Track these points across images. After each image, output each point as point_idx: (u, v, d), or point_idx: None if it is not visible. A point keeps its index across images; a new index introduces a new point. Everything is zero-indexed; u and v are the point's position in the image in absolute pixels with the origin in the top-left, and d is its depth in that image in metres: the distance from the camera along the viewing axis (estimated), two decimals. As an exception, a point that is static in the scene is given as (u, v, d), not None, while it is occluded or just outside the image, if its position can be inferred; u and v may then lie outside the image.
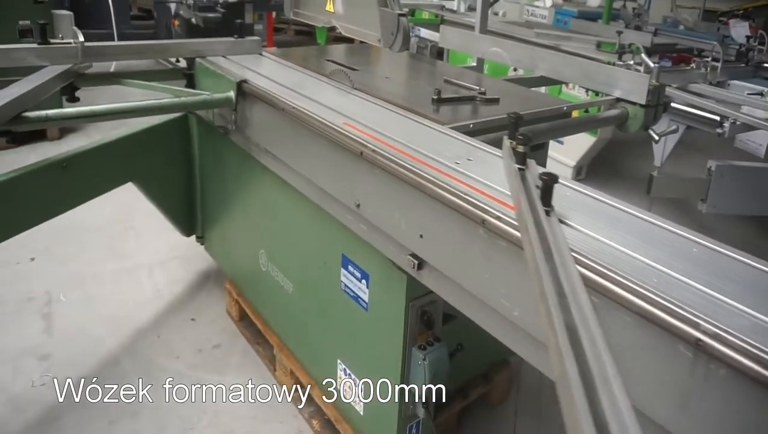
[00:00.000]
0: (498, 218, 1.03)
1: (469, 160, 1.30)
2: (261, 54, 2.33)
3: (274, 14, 6.70)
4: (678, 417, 0.79)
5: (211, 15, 5.01)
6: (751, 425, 0.72)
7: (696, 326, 0.76)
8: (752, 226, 3.85)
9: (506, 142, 1.23)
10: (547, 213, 0.98)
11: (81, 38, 1.94)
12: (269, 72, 2.03)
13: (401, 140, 1.41)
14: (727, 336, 0.73)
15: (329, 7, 2.26)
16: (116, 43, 2.19)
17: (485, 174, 1.21)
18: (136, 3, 7.94)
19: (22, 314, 2.45)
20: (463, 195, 1.11)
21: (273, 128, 1.77)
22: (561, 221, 1.01)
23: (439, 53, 4.92)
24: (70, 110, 1.75)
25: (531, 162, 1.14)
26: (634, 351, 0.83)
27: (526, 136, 1.12)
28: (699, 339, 0.75)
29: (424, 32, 4.85)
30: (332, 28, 2.30)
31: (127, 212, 3.31)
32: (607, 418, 0.55)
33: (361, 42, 2.22)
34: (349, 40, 3.10)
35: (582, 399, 0.58)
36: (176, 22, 5.28)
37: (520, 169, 1.10)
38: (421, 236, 1.24)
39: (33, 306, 2.50)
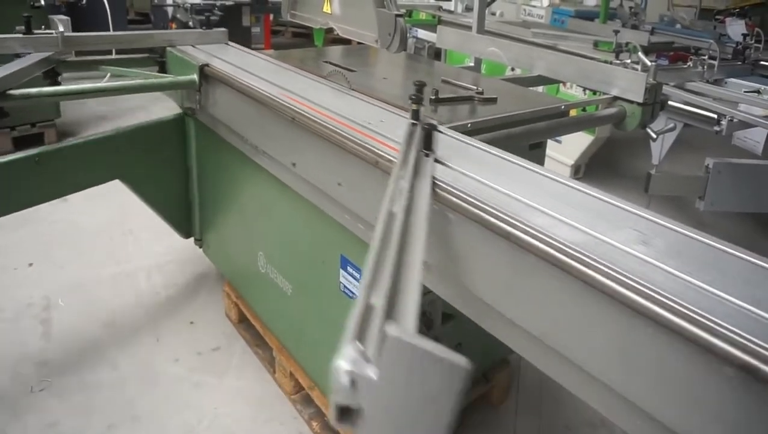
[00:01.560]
0: (389, 160, 1.27)
1: (381, 122, 1.53)
2: (227, 44, 2.54)
3: (271, 17, 6.70)
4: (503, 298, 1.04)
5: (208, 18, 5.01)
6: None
7: (510, 225, 0.97)
8: (751, 223, 3.85)
9: (411, 104, 1.41)
10: (426, 155, 1.19)
11: (61, 29, 2.16)
12: (231, 58, 2.23)
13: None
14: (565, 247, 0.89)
15: (326, 9, 2.26)
16: (94, 33, 2.38)
17: (391, 131, 1.44)
18: (133, 7, 7.95)
19: (21, 319, 2.44)
20: (361, 143, 1.35)
21: (233, 106, 1.98)
22: (438, 161, 1.21)
23: (436, 54, 4.93)
24: (49, 89, 2.00)
25: (425, 117, 1.34)
26: (474, 252, 1.08)
27: (418, 96, 1.31)
28: (510, 233, 0.96)
29: (422, 33, 4.86)
30: (330, 30, 2.31)
31: (124, 215, 3.30)
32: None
33: (359, 43, 2.23)
34: (347, 42, 3.10)
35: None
36: (173, 26, 5.28)
37: (412, 123, 1.29)
38: (339, 184, 1.48)
39: (31, 311, 2.49)
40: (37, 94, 1.91)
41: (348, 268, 1.63)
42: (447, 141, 1.38)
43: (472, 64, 3.39)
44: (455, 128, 1.56)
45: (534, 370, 1.08)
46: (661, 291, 0.79)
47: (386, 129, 1.47)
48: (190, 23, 4.89)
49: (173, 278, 2.78)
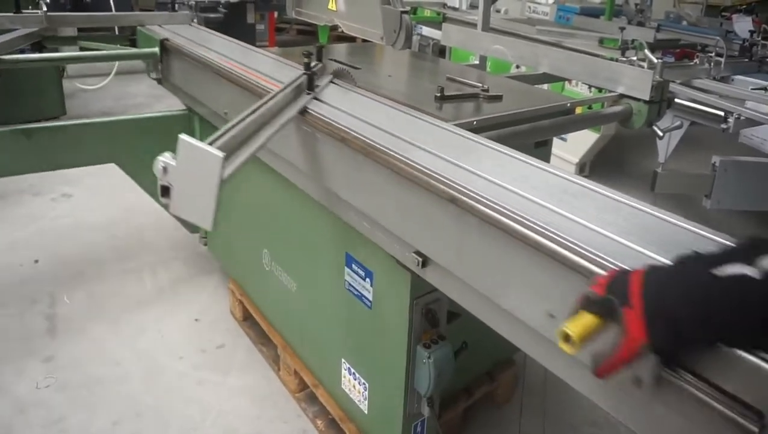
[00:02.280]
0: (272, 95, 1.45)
1: (286, 76, 1.71)
2: (190, 24, 2.85)
3: (275, 14, 6.69)
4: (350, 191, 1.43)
5: (212, 15, 5.02)
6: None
7: (345, 133, 1.37)
8: (758, 221, 3.83)
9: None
10: (308, 93, 1.56)
11: (45, 8, 2.54)
12: (189, 35, 2.55)
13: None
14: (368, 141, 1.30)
15: (331, 6, 2.25)
16: (73, 13, 2.97)
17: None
18: (138, 4, 7.95)
19: (26, 316, 2.45)
20: (256, 84, 1.70)
21: (187, 73, 2.27)
22: (318, 99, 1.57)
23: (441, 51, 4.91)
24: (34, 55, 2.55)
25: (316, 70, 1.66)
26: (335, 162, 1.45)
27: (309, 51, 1.64)
28: (347, 140, 1.35)
29: (426, 30, 4.83)
30: (334, 27, 2.30)
31: (130, 212, 3.31)
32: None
33: (364, 41, 2.22)
34: (351, 40, 3.08)
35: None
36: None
37: (305, 73, 1.60)
38: (226, 113, 1.83)
39: (37, 308, 2.50)
40: (24, 59, 2.30)
41: (353, 266, 1.63)
42: (341, 92, 1.72)
43: (476, 61, 3.37)
44: (461, 126, 1.55)
45: (539, 369, 1.08)
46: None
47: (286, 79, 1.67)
48: (194, 21, 4.90)
49: (178, 275, 2.78)
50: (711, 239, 0.94)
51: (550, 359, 1.04)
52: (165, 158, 1.01)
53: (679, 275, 0.68)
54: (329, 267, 1.73)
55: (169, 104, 2.75)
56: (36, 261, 2.84)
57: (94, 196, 3.53)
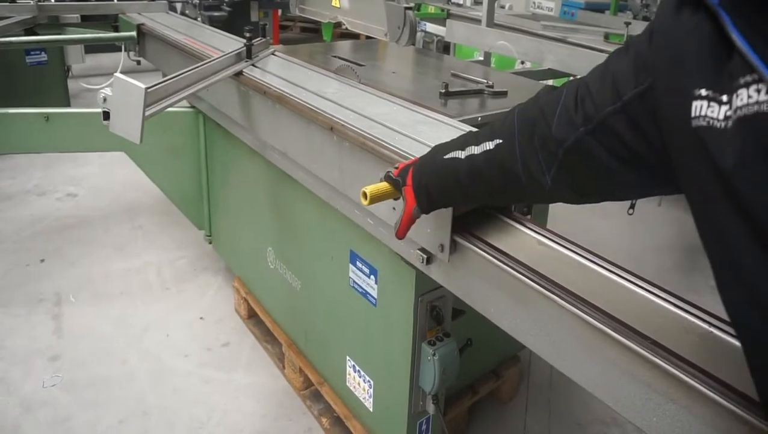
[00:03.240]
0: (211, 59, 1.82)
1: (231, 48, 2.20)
2: (167, 12, 3.20)
3: (279, 12, 6.68)
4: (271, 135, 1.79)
5: (216, 14, 5.02)
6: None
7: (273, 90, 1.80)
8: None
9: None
10: (246, 61, 1.93)
11: None
12: (165, 21, 2.90)
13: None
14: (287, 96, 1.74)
15: (335, 3, 2.25)
16: (62, 3, 3.33)
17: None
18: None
19: (33, 315, 2.46)
20: (199, 52, 2.10)
21: (159, 52, 2.64)
22: (255, 66, 1.94)
23: (445, 48, 4.89)
24: (24, 38, 3.01)
25: (255, 48, 2.02)
26: (260, 113, 1.80)
27: (253, 28, 2.03)
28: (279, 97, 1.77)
29: (430, 27, 4.82)
30: (338, 25, 2.30)
31: (134, 212, 3.32)
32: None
33: (368, 38, 2.21)
34: (355, 37, 3.07)
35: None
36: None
37: (246, 45, 1.95)
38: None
39: (43, 307, 2.51)
40: (16, 42, 2.74)
41: (357, 263, 1.62)
42: (275, 59, 2.08)
43: (481, 58, 3.36)
44: (466, 121, 1.55)
45: (544, 366, 1.07)
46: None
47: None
48: (198, 19, 4.91)
49: (183, 274, 2.79)
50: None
51: (555, 355, 1.03)
52: (105, 91, 1.35)
53: (429, 161, 1.03)
54: (334, 265, 1.73)
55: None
56: (42, 261, 2.85)
57: (99, 195, 3.54)
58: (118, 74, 1.34)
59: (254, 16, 6.15)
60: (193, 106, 2.43)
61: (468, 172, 0.93)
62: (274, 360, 2.22)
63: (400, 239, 1.10)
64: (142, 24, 2.73)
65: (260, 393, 2.09)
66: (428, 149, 1.09)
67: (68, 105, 4.65)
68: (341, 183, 1.49)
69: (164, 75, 2.34)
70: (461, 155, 0.95)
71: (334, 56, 2.32)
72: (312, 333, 1.97)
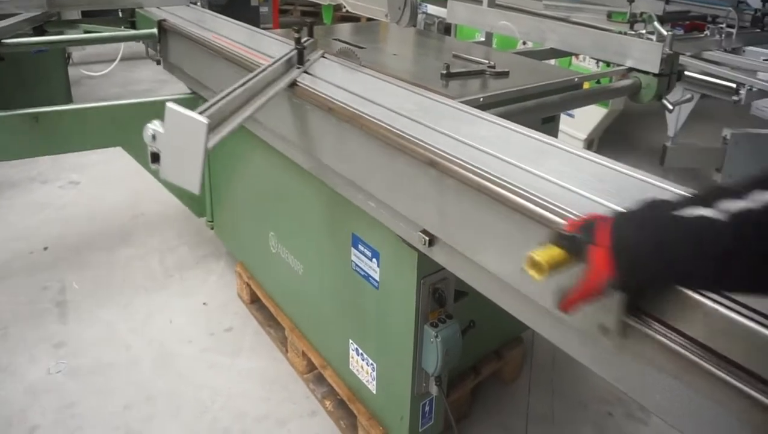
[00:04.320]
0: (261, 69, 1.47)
1: (279, 51, 1.72)
2: (187, 5, 2.82)
3: (279, -5, 6.60)
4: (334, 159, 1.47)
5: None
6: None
7: (331, 103, 1.41)
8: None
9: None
10: (298, 68, 1.60)
11: None
12: (187, 16, 2.52)
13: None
14: (346, 107, 1.40)
15: (334, -16, 2.21)
16: None
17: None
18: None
19: (37, 303, 2.47)
20: (251, 61, 1.70)
21: (184, 52, 2.28)
22: (307, 73, 1.61)
23: (446, 29, 4.82)
24: (34, 38, 2.52)
25: (308, 45, 1.68)
26: (322, 132, 1.48)
27: (300, 26, 1.67)
28: (331, 109, 1.41)
29: (431, 8, 4.75)
30: (338, 8, 2.27)
31: (136, 199, 3.31)
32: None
33: (368, 20, 2.18)
34: (356, 20, 3.03)
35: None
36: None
37: (297, 48, 1.62)
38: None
39: (47, 295, 2.52)
40: (26, 42, 2.29)
41: (359, 246, 1.62)
42: (324, 62, 1.76)
43: (483, 39, 3.31)
44: (468, 102, 1.53)
45: (547, 347, 1.07)
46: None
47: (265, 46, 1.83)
48: (198, 3, 4.86)
49: (185, 261, 2.79)
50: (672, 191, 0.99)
51: (558, 335, 1.03)
52: (154, 126, 1.04)
53: (644, 217, 0.70)
54: (336, 248, 1.72)
55: (175, 90, 2.73)
56: (45, 248, 2.86)
57: (102, 183, 3.53)
58: (172, 105, 1.02)
59: (254, 0, 6.08)
60: (194, 92, 2.40)
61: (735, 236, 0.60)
62: (276, 344, 2.23)
63: (565, 313, 0.79)
64: (164, 20, 2.40)
65: (264, 377, 2.10)
66: None
67: (69, 93, 4.62)
68: (441, 228, 1.21)
69: (188, 76, 2.30)
70: (714, 214, 0.62)
71: (335, 39, 2.29)
72: (315, 316, 1.97)
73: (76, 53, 5.10)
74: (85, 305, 2.46)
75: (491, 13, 2.54)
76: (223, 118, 1.18)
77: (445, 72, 1.75)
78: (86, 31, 2.99)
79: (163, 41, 2.43)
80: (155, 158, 1.05)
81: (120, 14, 3.25)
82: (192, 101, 2.46)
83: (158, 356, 2.19)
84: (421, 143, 1.21)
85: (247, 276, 2.40)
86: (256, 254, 2.32)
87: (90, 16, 3.41)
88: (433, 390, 1.54)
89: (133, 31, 2.67)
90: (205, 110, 1.11)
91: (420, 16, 4.83)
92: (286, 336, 2.13)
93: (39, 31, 2.63)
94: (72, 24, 2.97)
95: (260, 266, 2.32)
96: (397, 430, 1.64)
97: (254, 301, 2.42)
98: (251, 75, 1.37)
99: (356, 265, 1.65)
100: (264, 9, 6.24)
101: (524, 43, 3.63)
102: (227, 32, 2.15)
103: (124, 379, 2.07)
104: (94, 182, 3.56)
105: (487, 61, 1.88)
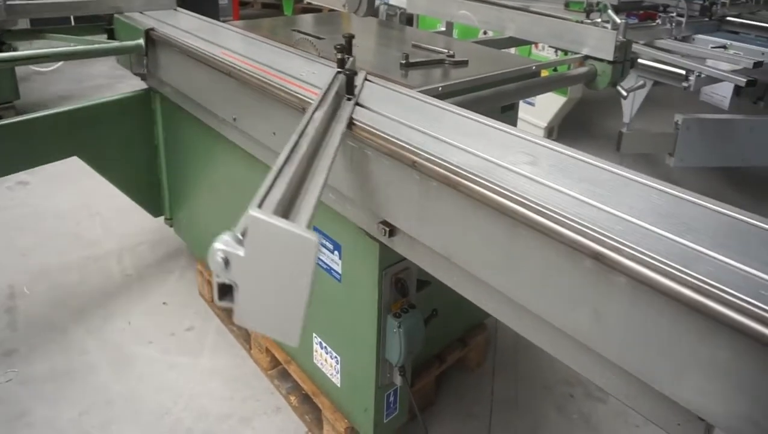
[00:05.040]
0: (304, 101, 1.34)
1: (313, 73, 1.57)
2: (175, 9, 2.49)
3: (238, -12, 6.45)
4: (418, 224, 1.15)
5: (176, -9, 4.80)
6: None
7: (416, 154, 1.08)
8: (720, 177, 3.92)
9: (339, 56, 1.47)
10: (348, 99, 1.29)
11: None
12: (178, 23, 2.21)
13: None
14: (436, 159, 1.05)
15: (291, -26, 2.16)
16: (40, 1, 2.28)
17: (317, 80, 1.48)
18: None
19: (-16, 308, 2.36)
20: (280, 87, 1.42)
21: (178, 68, 2.00)
22: (359, 105, 1.29)
23: (408, 20, 4.81)
24: None
25: (349, 66, 1.40)
26: (388, 182, 1.19)
27: (344, 45, 1.39)
28: (414, 161, 1.07)
29: (392, -1, 4.72)
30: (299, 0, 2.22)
31: (91, 198, 3.19)
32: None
33: (330, 11, 2.14)
34: (318, 11, 2.99)
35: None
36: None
37: (338, 72, 1.36)
38: (274, 133, 1.52)
39: (-5, 300, 2.40)
40: None
41: (321, 239, 1.59)
42: (370, 87, 1.46)
43: (443, 28, 3.31)
44: (426, 92, 1.52)
45: (510, 332, 1.07)
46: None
47: (317, 79, 1.49)
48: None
49: (145, 260, 2.70)
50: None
51: (517, 320, 1.04)
52: (226, 245, 0.65)
53: None
54: (296, 242, 1.69)
55: (133, 84, 2.55)
56: (-8, 253, 2.72)
57: (53, 183, 3.38)
58: (260, 214, 0.65)
59: (214, -7, 5.91)
60: (150, 88, 2.30)
61: None
62: (240, 342, 2.18)
63: None
64: (152, 29, 2.06)
65: (227, 376, 2.06)
66: None
67: (16, 90, 4.39)
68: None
69: (185, 97, 1.99)
70: None
71: (294, 30, 2.25)
72: (278, 312, 1.94)
73: (23, 46, 4.86)
74: (38, 310, 2.36)
75: (451, 2, 2.54)
76: (294, 197, 0.81)
77: (404, 62, 1.74)
78: (52, 44, 2.48)
79: (152, 54, 2.11)
80: (225, 291, 0.66)
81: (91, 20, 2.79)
82: (146, 98, 2.36)
83: (116, 359, 2.11)
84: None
85: (208, 274, 2.34)
86: (216, 251, 2.26)
87: (55, 24, 2.87)
88: (398, 380, 1.53)
89: (114, 43, 2.20)
90: (266, 194, 0.75)
91: (382, 7, 4.80)
92: (249, 332, 2.09)
93: (-6, 44, 2.20)
94: (34, 33, 2.44)
95: (221, 263, 2.26)
96: (362, 422, 1.63)
97: (216, 299, 2.36)
98: (304, 122, 1.01)
99: (318, 258, 1.62)
100: (224, 2, 6.09)
101: (485, 32, 3.65)
102: (235, 46, 1.86)
103: (80, 385, 1.99)
104: (45, 182, 3.40)
105: (446, 51, 1.88)
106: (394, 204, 1.19)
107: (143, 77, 2.24)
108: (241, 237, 0.64)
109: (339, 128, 1.11)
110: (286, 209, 0.74)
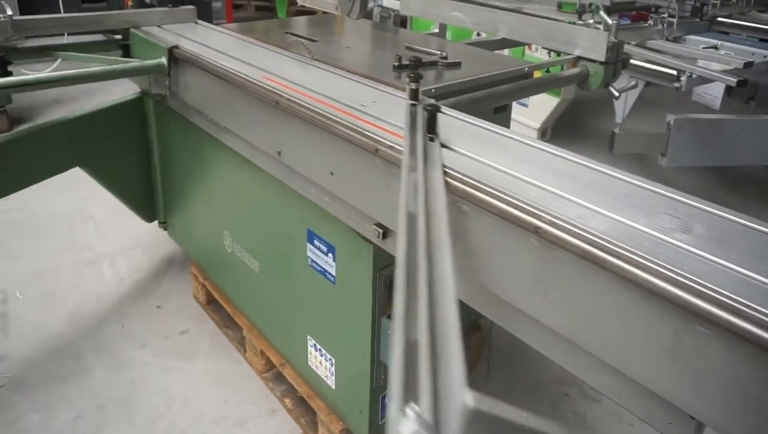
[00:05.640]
0: (390, 147, 1.15)
1: (374, 102, 1.41)
2: (196, 22, 2.30)
3: (231, -10, 6.43)
4: (533, 300, 0.94)
5: (165, -8, 4.78)
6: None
7: (537, 216, 0.89)
8: (712, 177, 3.94)
9: (407, 83, 1.35)
10: (431, 139, 1.13)
11: (9, 12, 1.88)
12: (202, 38, 2.03)
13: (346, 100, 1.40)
14: (563, 223, 0.85)
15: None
16: (48, 16, 2.05)
17: (387, 114, 1.32)
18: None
19: (-24, 314, 2.34)
20: (359, 129, 1.23)
21: (208, 91, 1.80)
22: (444, 146, 1.14)
23: (402, 22, 4.82)
24: (1, 80, 1.78)
25: (423, 98, 1.29)
26: (494, 248, 0.99)
27: (417, 74, 1.26)
28: (538, 227, 0.88)
29: (387, 1, 4.73)
30: (293, 1, 2.22)
31: (85, 201, 3.17)
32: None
33: (324, 13, 2.14)
34: (311, 13, 2.98)
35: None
36: (129, 3, 5.03)
37: (412, 104, 1.23)
38: (332, 173, 1.35)
39: (-13, 305, 2.39)
40: None
41: (315, 241, 1.59)
42: (445, 120, 1.26)
43: (437, 30, 3.32)
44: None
45: (505, 332, 1.07)
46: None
47: (381, 111, 1.34)
48: None
49: (138, 263, 2.69)
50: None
51: (511, 321, 1.04)
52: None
53: None
54: (291, 245, 1.69)
55: (126, 88, 2.47)
56: (-16, 257, 2.70)
57: (46, 187, 3.32)
58: (473, 403, 0.42)
59: (207, -5, 5.89)
60: (142, 92, 2.28)
61: None
62: (234, 345, 2.18)
63: None
64: (176, 47, 1.87)
65: (221, 379, 2.05)
66: None
67: (8, 96, 4.35)
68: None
69: (216, 125, 1.80)
70: None
71: (287, 32, 2.25)
72: (272, 314, 1.94)
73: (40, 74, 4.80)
74: (30, 315, 2.34)
75: (444, 4, 2.55)
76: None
77: (397, 64, 1.74)
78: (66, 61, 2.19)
79: (175, 74, 1.91)
80: None
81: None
82: (139, 102, 2.33)
83: (110, 363, 2.10)
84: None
85: (202, 277, 2.34)
86: (211, 254, 2.26)
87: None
88: (392, 382, 1.53)
89: (133, 63, 1.96)
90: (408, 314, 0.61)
91: (376, 9, 4.81)
92: (243, 335, 2.08)
93: (0, 65, 2.00)
94: (42, 51, 2.15)
95: (216, 266, 2.26)
96: (357, 424, 1.63)
97: (211, 302, 2.35)
98: (407, 183, 0.90)
99: (312, 261, 1.62)
100: (217, 4, 6.08)
101: (478, 34, 3.66)
102: (275, 67, 1.66)
103: (74, 390, 1.98)
104: (38, 186, 3.35)
105: (439, 53, 1.88)
106: (502, 273, 0.98)
107: (162, 98, 2.06)
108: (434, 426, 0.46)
109: (438, 184, 0.94)
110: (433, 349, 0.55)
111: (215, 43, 1.94)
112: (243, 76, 1.57)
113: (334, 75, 1.67)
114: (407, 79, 1.26)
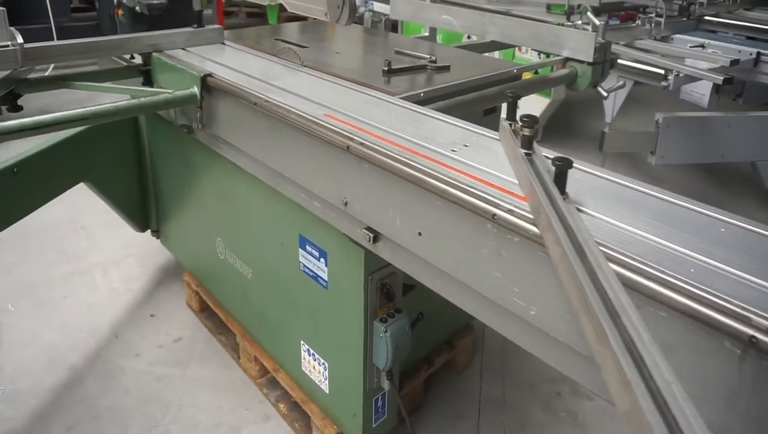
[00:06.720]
0: (510, 211, 0.91)
1: (465, 146, 1.18)
2: (223, 43, 2.11)
3: (222, -3, 6.46)
4: (726, 418, 0.72)
5: (156, 2, 4.76)
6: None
7: (747, 321, 0.65)
8: (701, 174, 3.97)
9: (505, 124, 1.12)
10: (564, 198, 0.91)
11: (20, 39, 1.65)
12: (235, 63, 1.82)
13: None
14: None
15: (274, -16, 2.16)
16: (62, 42, 1.83)
17: (486, 162, 1.10)
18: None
19: (-32, 326, 2.32)
20: (467, 187, 0.99)
21: (245, 124, 1.58)
22: (577, 209, 0.93)
23: (393, 27, 4.83)
24: (12, 123, 1.44)
25: (537, 147, 1.05)
26: (674, 351, 0.74)
27: (532, 117, 1.02)
28: (752, 336, 0.64)
29: (377, 6, 4.74)
30: (284, 8, 2.22)
31: (76, 211, 3.15)
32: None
33: (315, 19, 2.14)
34: (303, 19, 2.98)
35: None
36: (120, 12, 5.02)
37: (527, 154, 1.01)
38: (420, 234, 1.11)
39: (-21, 317, 2.37)
40: (5, 129, 1.40)
41: (307, 247, 1.59)
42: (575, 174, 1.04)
43: (426, 34, 3.34)
44: (408, 98, 1.53)
45: (497, 333, 1.07)
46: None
47: (472, 155, 1.13)
48: (137, 8, 4.62)
49: (131, 273, 2.68)
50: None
51: (501, 322, 1.04)
52: None
53: None
54: (283, 250, 1.69)
55: (115, 96, 2.40)
56: (-24, 269, 2.68)
57: (36, 196, 3.34)
58: None
59: (197, 4, 5.91)
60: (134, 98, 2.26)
61: None
62: (228, 352, 2.17)
63: None
64: (209, 75, 1.64)
65: (215, 386, 2.04)
66: None
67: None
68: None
69: (264, 166, 1.55)
70: None
71: (278, 39, 2.25)
72: (265, 320, 1.93)
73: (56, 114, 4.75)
74: (23, 326, 2.33)
75: (433, 8, 2.56)
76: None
77: (386, 68, 1.75)
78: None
79: (208, 106, 1.69)
80: None
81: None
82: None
83: (103, 373, 2.09)
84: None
85: (195, 284, 2.33)
86: (204, 262, 2.26)
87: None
88: (385, 384, 1.53)
89: (164, 95, 1.70)
90: None
91: (366, 14, 4.82)
92: (237, 342, 2.08)
93: (10, 98, 1.79)
94: (56, 82, 1.93)
95: (209, 274, 2.25)
96: (351, 428, 1.63)
97: (204, 309, 2.35)
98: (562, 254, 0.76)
99: (304, 266, 1.62)
100: (208, 12, 6.08)
101: (468, 37, 3.68)
102: (335, 101, 1.44)
103: (67, 400, 1.97)
104: (30, 195, 3.37)
105: (428, 56, 1.89)
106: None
107: (190, 130, 1.82)
108: None
109: (608, 271, 0.74)
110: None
111: (253, 70, 1.72)
112: (300, 113, 1.33)
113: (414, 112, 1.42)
114: (519, 124, 1.04)
